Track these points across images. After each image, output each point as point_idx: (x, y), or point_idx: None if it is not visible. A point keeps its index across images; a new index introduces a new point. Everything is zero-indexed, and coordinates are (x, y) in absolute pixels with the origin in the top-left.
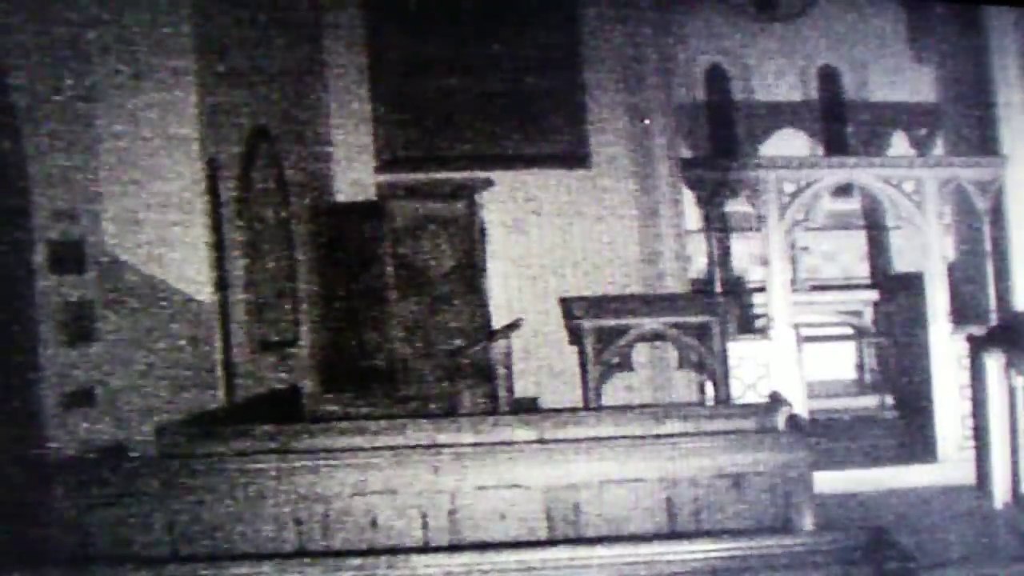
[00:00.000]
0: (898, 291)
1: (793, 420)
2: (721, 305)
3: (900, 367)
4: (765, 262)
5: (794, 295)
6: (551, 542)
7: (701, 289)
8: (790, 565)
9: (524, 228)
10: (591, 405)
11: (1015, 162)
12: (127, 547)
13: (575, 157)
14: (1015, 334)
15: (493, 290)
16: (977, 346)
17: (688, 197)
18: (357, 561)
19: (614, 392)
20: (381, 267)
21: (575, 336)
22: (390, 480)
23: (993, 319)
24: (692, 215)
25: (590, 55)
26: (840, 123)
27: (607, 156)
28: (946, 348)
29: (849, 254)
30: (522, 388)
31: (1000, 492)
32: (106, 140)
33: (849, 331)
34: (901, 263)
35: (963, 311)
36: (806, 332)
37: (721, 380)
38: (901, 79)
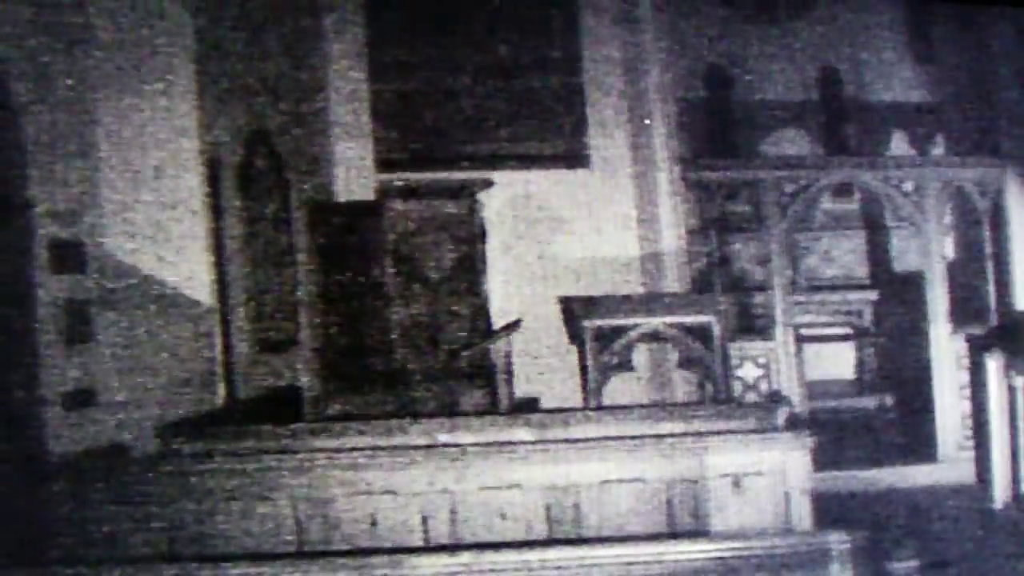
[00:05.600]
0: (898, 291)
1: (793, 420)
2: (721, 305)
3: (900, 367)
4: (765, 262)
5: (794, 295)
6: (551, 542)
7: (701, 289)
8: (790, 565)
9: (524, 228)
10: (591, 405)
11: (1015, 162)
12: (127, 547)
13: (575, 157)
14: (1015, 334)
15: (493, 290)
16: (977, 346)
17: (688, 197)
18: (357, 561)
19: (614, 392)
20: (381, 267)
21: (575, 336)
22: (390, 480)
23: (993, 319)
24: (692, 215)
25: (590, 55)
26: (840, 123)
27: (607, 156)
28: (946, 348)
29: (849, 254)
30: (522, 388)
31: (1000, 492)
32: (106, 140)
33: (849, 331)
34: (901, 263)
35: (963, 311)
36: (806, 332)
37: (721, 380)
38: (901, 79)
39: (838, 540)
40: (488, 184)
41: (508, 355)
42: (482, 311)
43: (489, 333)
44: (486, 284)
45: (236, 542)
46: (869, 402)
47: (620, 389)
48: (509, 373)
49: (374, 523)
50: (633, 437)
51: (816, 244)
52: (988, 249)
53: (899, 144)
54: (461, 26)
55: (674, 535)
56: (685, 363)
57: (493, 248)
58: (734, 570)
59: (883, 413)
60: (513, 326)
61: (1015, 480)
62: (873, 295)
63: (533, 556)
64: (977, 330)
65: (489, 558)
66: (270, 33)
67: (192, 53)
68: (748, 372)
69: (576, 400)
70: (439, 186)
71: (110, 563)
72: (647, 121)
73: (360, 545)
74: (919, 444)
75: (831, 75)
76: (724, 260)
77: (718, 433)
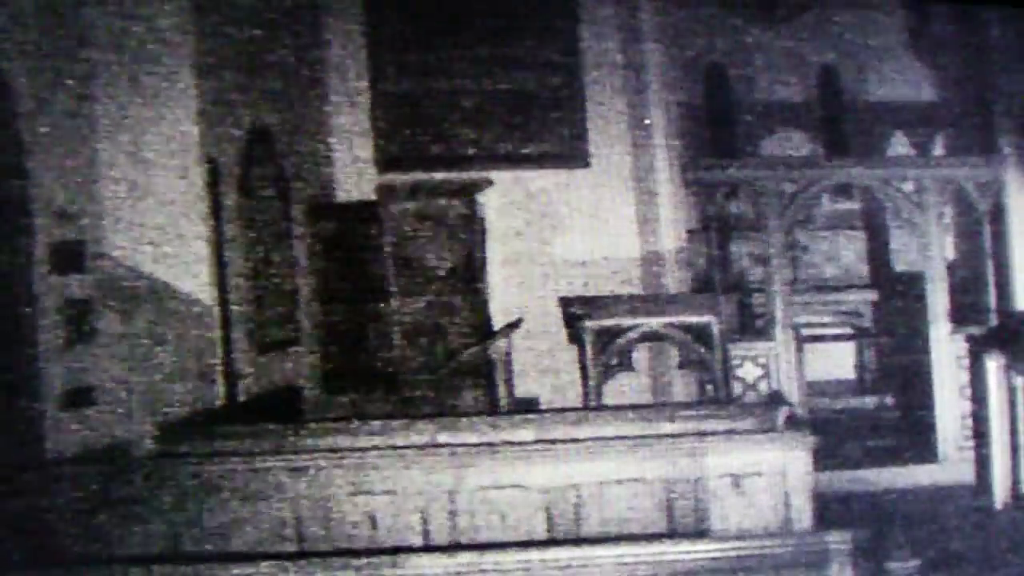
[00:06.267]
0: (898, 291)
1: (793, 420)
2: (721, 305)
3: (900, 367)
4: (765, 262)
5: (794, 295)
6: (551, 542)
7: (701, 289)
8: (790, 565)
9: (524, 228)
10: (591, 405)
11: (1015, 162)
12: (127, 547)
13: (575, 157)
14: (1015, 334)
15: (493, 290)
16: (977, 346)
17: (688, 197)
18: (357, 561)
19: (614, 392)
20: (381, 267)
21: (575, 336)
22: (390, 480)
23: (993, 319)
24: (692, 215)
25: (590, 55)
26: (840, 123)
27: (607, 156)
28: (946, 348)
29: (849, 254)
30: (522, 388)
31: (1000, 492)
32: (106, 140)
33: (849, 331)
34: (901, 263)
35: (963, 311)
36: (806, 332)
37: (721, 380)
38: (901, 79)
39: (838, 540)
40: (488, 184)
41: (508, 355)
42: (482, 311)
43: (489, 333)
44: (486, 284)
45: (236, 542)
46: (869, 402)
47: (620, 389)
48: (509, 373)
49: (374, 523)
50: (633, 437)
51: (816, 244)
52: (988, 249)
53: (899, 144)
54: (461, 26)
55: (674, 535)
56: (685, 363)
57: (493, 248)
58: (734, 570)
59: (883, 413)
60: (513, 326)
61: (1015, 480)
62: (873, 295)
63: (533, 556)
64: (977, 330)
65: (489, 558)
66: (271, 33)
67: (192, 53)
68: (748, 372)
69: (576, 400)
70: (439, 186)
71: (110, 563)
72: (647, 121)
73: (360, 545)
74: (919, 444)
75: (831, 75)
76: (724, 260)
77: (718, 433)
